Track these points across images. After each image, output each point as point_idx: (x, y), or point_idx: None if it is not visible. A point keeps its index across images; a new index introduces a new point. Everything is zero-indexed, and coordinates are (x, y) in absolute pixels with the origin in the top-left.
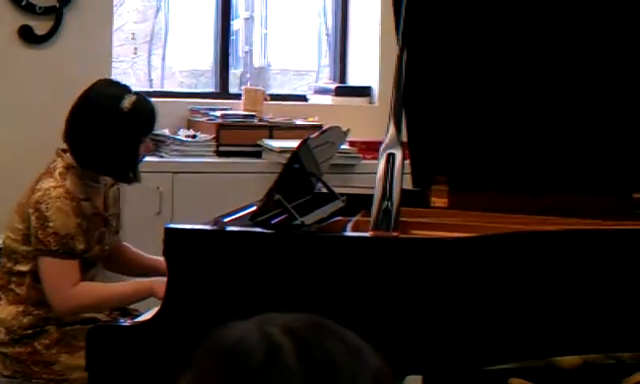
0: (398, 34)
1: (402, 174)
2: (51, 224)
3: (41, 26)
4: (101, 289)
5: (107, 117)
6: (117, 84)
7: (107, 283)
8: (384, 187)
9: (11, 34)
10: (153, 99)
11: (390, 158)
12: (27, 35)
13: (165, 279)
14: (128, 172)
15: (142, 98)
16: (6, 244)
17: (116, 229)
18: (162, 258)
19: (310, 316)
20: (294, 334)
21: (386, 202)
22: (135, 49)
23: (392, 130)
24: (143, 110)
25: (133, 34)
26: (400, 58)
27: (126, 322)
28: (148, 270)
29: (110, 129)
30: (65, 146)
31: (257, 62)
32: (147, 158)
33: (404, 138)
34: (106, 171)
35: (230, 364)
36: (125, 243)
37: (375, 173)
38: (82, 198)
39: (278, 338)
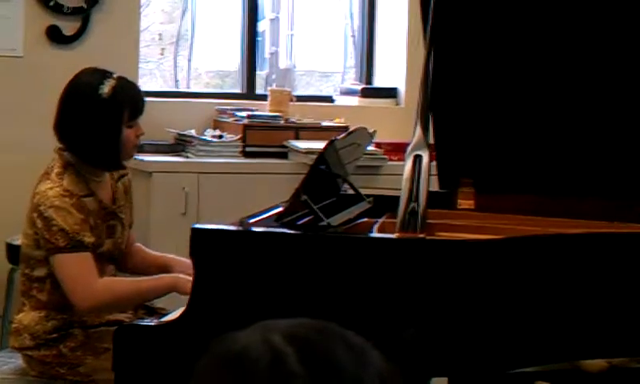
0: (425, 35)
1: (429, 175)
2: (54, 223)
3: (68, 27)
4: (123, 283)
5: (87, 103)
6: (100, 71)
7: (129, 278)
8: (411, 189)
9: (39, 34)
10: (179, 99)
11: (417, 159)
12: (55, 35)
13: (188, 276)
14: (112, 158)
15: (124, 82)
16: (22, 249)
17: (129, 222)
18: (174, 256)
19: (310, 320)
20: (296, 340)
21: (412, 204)
22: (162, 50)
23: (419, 131)
24: (124, 94)
25: (159, 34)
26: (427, 59)
27: (153, 322)
28: (161, 270)
29: (90, 115)
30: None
31: (282, 63)
32: (173, 159)
33: (431, 140)
34: (90, 159)
35: (235, 374)
36: (137, 244)
37: (402, 174)
38: (84, 194)
39: (280, 345)
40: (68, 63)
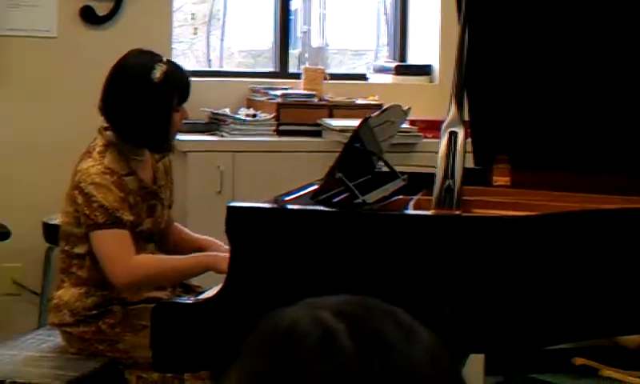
0: (459, 12)
1: (465, 152)
2: (94, 199)
3: (102, 7)
4: (160, 261)
5: (138, 87)
6: (148, 53)
7: (167, 256)
8: (446, 165)
9: (73, 14)
10: (213, 79)
11: (452, 136)
12: (89, 16)
13: (224, 254)
14: (161, 142)
15: (174, 67)
16: (62, 227)
17: (169, 202)
18: (210, 238)
19: (357, 297)
20: (345, 317)
21: (448, 181)
22: (195, 29)
23: (454, 108)
24: (175, 79)
25: (192, 14)
26: (462, 36)
27: (189, 300)
28: (198, 251)
29: (142, 99)
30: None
31: (315, 41)
32: (208, 138)
33: (465, 117)
34: (138, 141)
35: (285, 350)
36: (175, 224)
37: (436, 152)
38: (125, 173)
39: (330, 321)
40: (102, 43)
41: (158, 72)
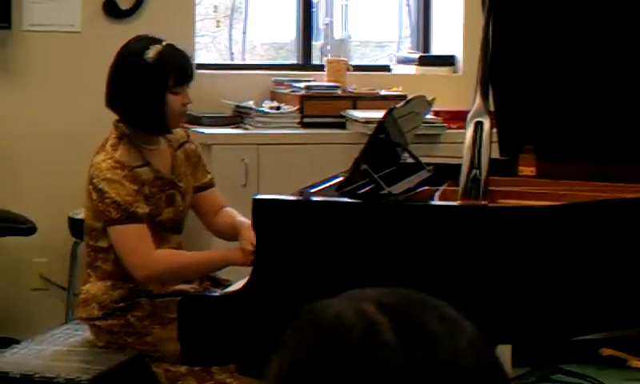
0: (483, 2)
1: (490, 142)
2: (107, 195)
3: (125, 1)
4: (179, 256)
5: (132, 67)
6: (149, 38)
7: (187, 251)
8: (472, 156)
9: (96, 8)
10: (237, 72)
11: (478, 126)
12: (112, 10)
13: (247, 249)
14: (156, 122)
15: (171, 49)
16: (85, 221)
17: (208, 184)
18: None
19: (400, 290)
20: (389, 310)
21: (474, 171)
22: (218, 22)
23: (479, 98)
24: (170, 60)
25: (215, 7)
26: (486, 27)
27: (217, 293)
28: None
29: (134, 78)
30: None
31: (337, 33)
32: (232, 131)
33: (491, 107)
34: (135, 122)
35: (328, 342)
36: (227, 208)
37: (461, 142)
38: (138, 165)
39: (374, 314)
40: (125, 37)
41: (152, 52)
